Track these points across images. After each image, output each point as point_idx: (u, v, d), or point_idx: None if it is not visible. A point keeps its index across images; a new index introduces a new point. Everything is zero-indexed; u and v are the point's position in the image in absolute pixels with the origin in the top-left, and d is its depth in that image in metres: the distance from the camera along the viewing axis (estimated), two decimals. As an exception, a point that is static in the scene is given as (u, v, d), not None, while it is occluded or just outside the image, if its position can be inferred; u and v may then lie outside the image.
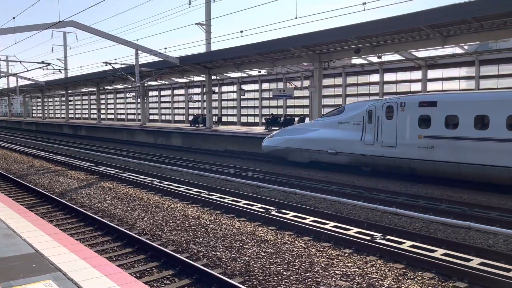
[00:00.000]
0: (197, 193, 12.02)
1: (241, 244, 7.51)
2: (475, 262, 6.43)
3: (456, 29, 16.86)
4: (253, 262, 6.66)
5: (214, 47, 32.30)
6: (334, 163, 16.40)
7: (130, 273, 5.68)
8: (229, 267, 6.46)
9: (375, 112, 14.87)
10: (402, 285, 5.77)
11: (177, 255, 6.64)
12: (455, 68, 24.55)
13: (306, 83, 28.08)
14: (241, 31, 21.77)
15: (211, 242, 7.66)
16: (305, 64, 28.31)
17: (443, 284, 5.82)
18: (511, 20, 15.14)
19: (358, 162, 15.65)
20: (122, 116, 54.38)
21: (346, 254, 7.05)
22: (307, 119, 26.99)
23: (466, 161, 12.54)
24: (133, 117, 51.85)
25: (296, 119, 28.13)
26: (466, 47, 22.87)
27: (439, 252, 6.90)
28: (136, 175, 15.63)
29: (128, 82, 38.42)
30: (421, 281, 5.92)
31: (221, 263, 6.64)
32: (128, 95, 51.85)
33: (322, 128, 16.80)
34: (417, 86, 25.78)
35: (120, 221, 9.26)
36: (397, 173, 14.52)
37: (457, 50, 22.38)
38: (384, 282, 5.86)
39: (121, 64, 30.87)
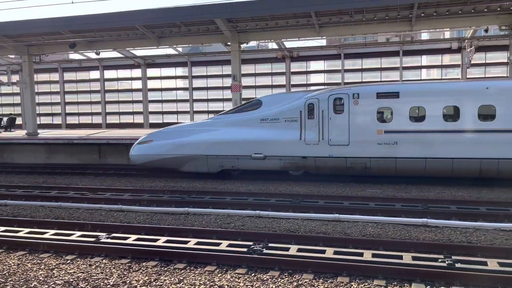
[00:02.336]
0: None
1: None
2: (192, 242, 7.11)
3: (168, 31, 18.14)
4: None
5: None
6: (260, 170, 13.48)
7: None
8: None
9: (318, 106, 12.63)
10: (127, 279, 5.83)
11: None
12: (171, 67, 26.52)
13: (15, 78, 24.68)
14: None
15: None
16: (12, 56, 24.79)
17: (165, 268, 6.20)
18: (213, 27, 17.41)
19: (296, 166, 13.17)
20: None
21: (69, 261, 6.60)
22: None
23: (434, 156, 11.78)
24: None
25: (5, 119, 24.48)
26: (180, 49, 24.97)
27: (162, 240, 7.29)
28: None
29: None
30: (146, 270, 6.13)
31: None
32: None
33: (235, 127, 13.51)
34: (138, 84, 26.55)
35: None
36: (344, 174, 12.88)
37: (171, 51, 24.19)
38: (110, 280, 5.77)
39: None
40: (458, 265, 5.84)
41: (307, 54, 24.23)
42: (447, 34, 30.17)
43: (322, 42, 26.09)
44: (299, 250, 6.65)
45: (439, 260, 6.02)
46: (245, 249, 6.72)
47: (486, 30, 18.83)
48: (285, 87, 24.38)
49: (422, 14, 15.97)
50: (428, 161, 11.87)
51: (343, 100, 12.50)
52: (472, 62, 20.28)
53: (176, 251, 6.65)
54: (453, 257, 6.14)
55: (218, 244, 7.00)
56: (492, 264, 5.87)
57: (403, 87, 12.62)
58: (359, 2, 14.39)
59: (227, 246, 6.93)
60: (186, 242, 7.14)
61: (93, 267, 6.33)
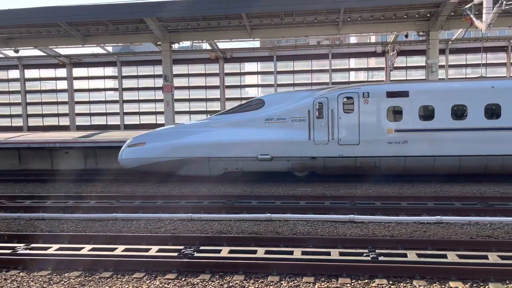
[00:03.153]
0: None
1: None
2: (119, 249, 6.81)
3: (95, 29, 17.35)
4: None
5: None
6: (266, 171, 12.96)
7: None
8: None
9: (327, 105, 12.35)
10: (47, 292, 5.47)
11: None
12: (99, 67, 25.39)
13: None
14: None
15: None
16: None
17: (90, 278, 5.88)
18: (142, 26, 16.90)
19: (304, 167, 12.82)
20: None
21: (-20, 277, 6.05)
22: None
23: (443, 154, 12.01)
24: None
25: None
26: (110, 48, 23.94)
27: (86, 249, 6.92)
28: None
29: None
30: (68, 282, 5.78)
31: None
32: None
33: (238, 127, 12.79)
34: (63, 84, 25.16)
35: None
36: (353, 174, 12.76)
37: (99, 50, 23.14)
38: (27, 296, 5.37)
39: None
40: (381, 258, 6.14)
41: (241, 56, 24.34)
42: (373, 39, 31.81)
43: (256, 44, 26.41)
44: (230, 251, 6.63)
45: (364, 254, 6.29)
46: (175, 254, 6.57)
47: (406, 36, 20.08)
48: (219, 88, 24.32)
49: (348, 19, 16.69)
50: (436, 159, 12.10)
51: (353, 99, 12.41)
52: (395, 65, 21.56)
53: (102, 259, 6.33)
54: (377, 251, 6.44)
55: (148, 250, 6.78)
56: (412, 255, 6.24)
57: (412, 86, 12.87)
58: (288, 5, 14.70)
59: (157, 251, 6.73)
60: (113, 249, 6.84)
61: (8, 281, 5.86)
